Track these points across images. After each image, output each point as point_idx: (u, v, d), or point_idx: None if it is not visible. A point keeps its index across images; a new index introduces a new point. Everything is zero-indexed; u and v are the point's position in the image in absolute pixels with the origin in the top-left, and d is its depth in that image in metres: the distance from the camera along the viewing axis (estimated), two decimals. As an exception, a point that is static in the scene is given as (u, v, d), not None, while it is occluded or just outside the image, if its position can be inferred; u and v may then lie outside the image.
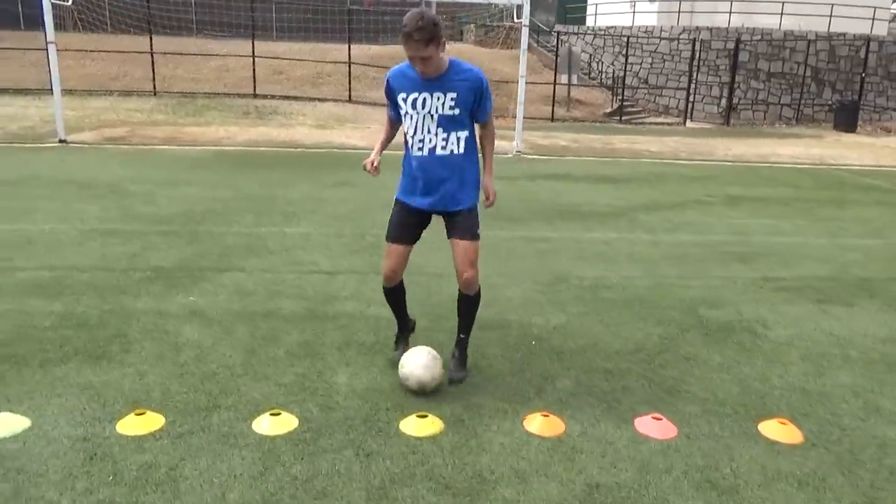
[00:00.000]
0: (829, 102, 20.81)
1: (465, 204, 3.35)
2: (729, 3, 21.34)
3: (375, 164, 3.38)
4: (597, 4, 24.97)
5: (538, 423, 3.15)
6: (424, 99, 3.18)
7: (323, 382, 3.46)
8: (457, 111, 3.19)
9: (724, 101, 20.61)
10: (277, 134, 13.28)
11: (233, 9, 22.26)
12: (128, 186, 8.09)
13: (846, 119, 19.12)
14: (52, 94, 14.76)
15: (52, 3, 10.87)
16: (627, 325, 4.45)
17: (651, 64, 21.75)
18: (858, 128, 19.35)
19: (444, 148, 3.24)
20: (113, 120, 13.95)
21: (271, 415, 3.07)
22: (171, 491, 2.56)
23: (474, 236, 3.37)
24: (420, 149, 3.26)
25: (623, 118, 19.79)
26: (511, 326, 4.35)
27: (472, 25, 23.40)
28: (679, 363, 3.93)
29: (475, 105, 3.24)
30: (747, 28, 20.71)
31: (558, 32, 23.19)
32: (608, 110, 20.25)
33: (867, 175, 11.92)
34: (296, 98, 17.22)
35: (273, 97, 17.13)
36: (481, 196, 3.48)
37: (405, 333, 3.77)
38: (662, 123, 19.67)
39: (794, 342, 4.30)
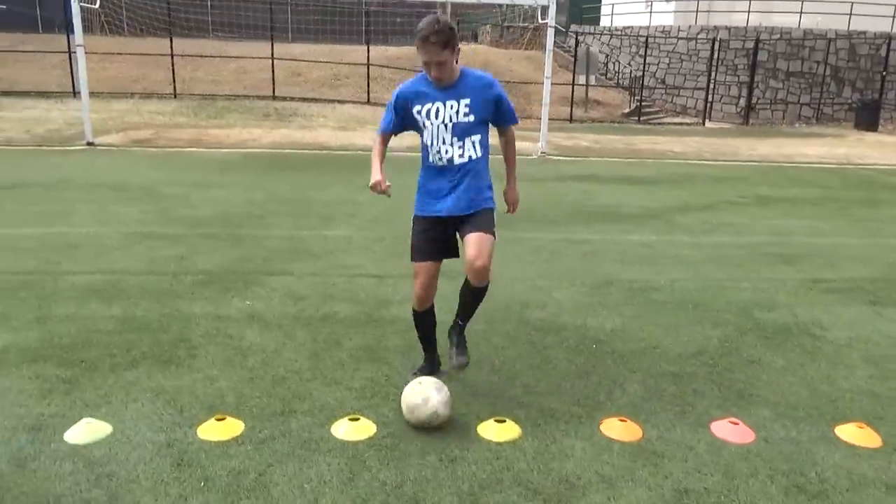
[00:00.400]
0: (850, 101, 20.69)
1: (483, 205, 3.29)
2: (747, 2, 21.25)
3: (385, 185, 3.15)
4: (613, 4, 24.92)
5: (617, 428, 3.13)
6: (438, 109, 3.16)
7: (392, 387, 3.45)
8: (471, 118, 3.16)
9: (742, 101, 20.52)
10: (301, 136, 13.31)
11: (248, 10, 22.32)
12: (161, 189, 8.11)
13: (867, 118, 19.00)
14: (74, 96, 14.93)
15: (80, 7, 10.92)
16: (685, 328, 4.42)
17: (668, 64, 21.67)
18: (880, 127, 19.22)
19: (461, 156, 3.20)
20: (137, 122, 14.00)
21: (350, 420, 3.06)
22: (264, 497, 2.55)
23: (490, 230, 3.22)
24: (439, 159, 3.22)
25: (641, 118, 19.73)
26: (567, 329, 4.33)
27: (488, 26, 23.41)
28: (744, 366, 3.90)
29: (492, 111, 3.21)
30: (766, 27, 20.61)
31: (576, 33, 23.15)
32: (626, 111, 20.20)
33: (878, 175, 11.82)
34: (315, 100, 17.25)
35: (292, 99, 17.17)
36: (499, 203, 3.38)
37: (429, 369, 3.51)
38: (681, 124, 19.60)
39: (853, 345, 4.26)
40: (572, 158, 12.20)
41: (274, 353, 3.78)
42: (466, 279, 3.26)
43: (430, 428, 3.03)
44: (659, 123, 19.54)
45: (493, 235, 3.24)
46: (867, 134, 18.33)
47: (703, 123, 19.58)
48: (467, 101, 3.14)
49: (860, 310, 4.89)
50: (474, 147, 3.21)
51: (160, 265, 5.26)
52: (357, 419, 3.07)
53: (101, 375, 3.45)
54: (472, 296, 3.33)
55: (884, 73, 20.29)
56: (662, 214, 7.87)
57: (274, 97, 17.08)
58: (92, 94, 15.92)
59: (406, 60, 20.19)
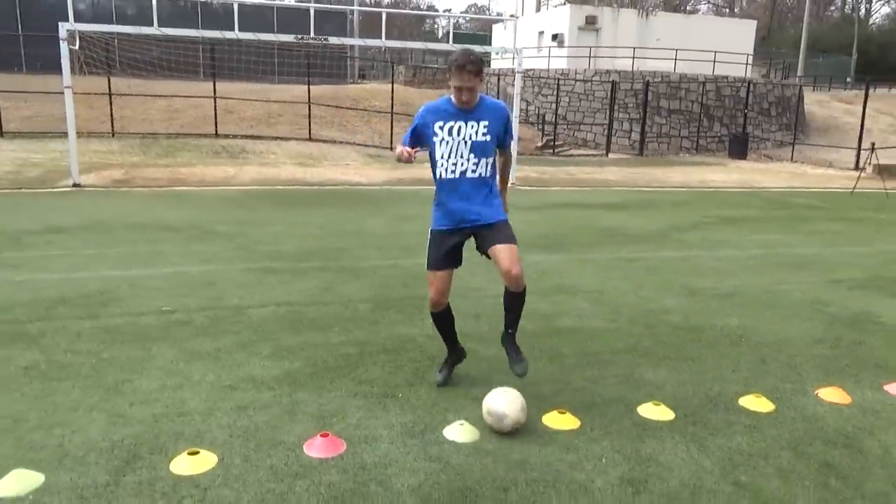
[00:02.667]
0: (720, 135, 23.82)
1: (498, 216, 3.66)
2: (630, 49, 23.93)
3: (409, 151, 3.55)
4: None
5: (834, 395, 4.04)
6: (460, 127, 3.56)
7: (645, 379, 4.17)
8: (488, 137, 3.58)
9: (634, 135, 22.97)
10: (275, 173, 13.40)
11: (153, 48, 21.58)
12: (211, 227, 8.16)
13: (738, 149, 22.04)
14: (1, 136, 13.98)
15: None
16: (792, 322, 5.38)
17: (569, 102, 23.77)
18: (749, 156, 22.33)
19: (473, 172, 3.60)
20: (97, 163, 13.36)
21: (654, 405, 3.76)
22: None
23: (513, 240, 3.61)
24: (452, 172, 3.59)
25: (555, 151, 21.46)
26: (708, 328, 5.20)
27: (402, 67, 24.40)
28: (856, 346, 4.94)
29: (501, 132, 3.65)
30: (649, 71, 23.29)
31: (498, 75, 24.71)
32: (539, 144, 21.88)
33: (796, 196, 14.06)
34: (258, 137, 17.18)
35: (234, 137, 16.99)
36: None
37: (454, 359, 3.96)
38: (589, 155, 21.58)
39: (916, 326, 5.51)
40: (536, 188, 13.32)
41: (556, 365, 4.35)
42: (506, 289, 3.64)
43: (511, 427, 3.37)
44: (569, 155, 21.37)
45: (516, 243, 3.62)
46: (741, 162, 21.26)
47: (607, 155, 21.70)
48: (486, 122, 3.58)
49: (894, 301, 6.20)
50: (486, 166, 3.63)
51: (318, 296, 5.55)
52: (658, 405, 3.77)
53: (410, 388, 3.87)
54: (515, 301, 3.68)
55: (746, 112, 23.62)
56: (667, 234, 9.08)
57: (217, 135, 16.82)
58: (18, 135, 14.96)
59: (330, 98, 20.58)
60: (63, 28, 10.21)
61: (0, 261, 6.44)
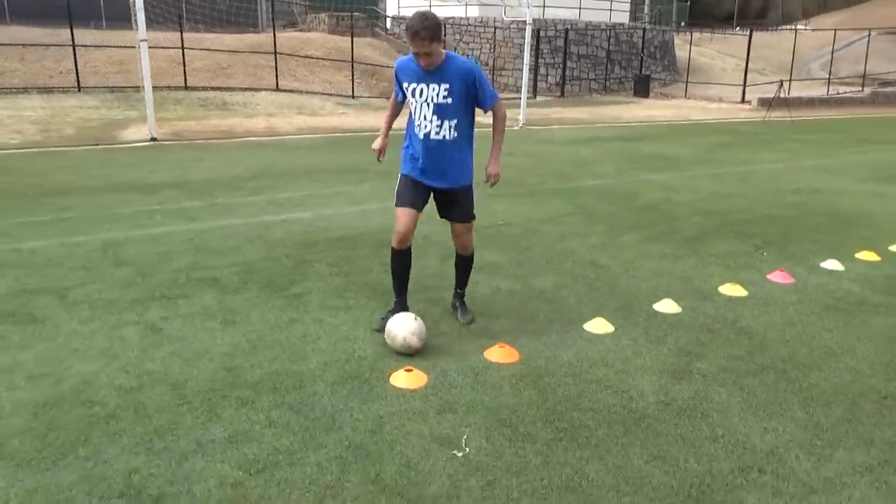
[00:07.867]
0: (620, 77, 26.67)
1: (459, 183, 3.71)
2: (540, -2, 25.85)
3: (382, 154, 3.83)
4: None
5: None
6: (422, 89, 3.53)
7: (866, 235, 6.06)
8: (450, 100, 3.52)
9: (550, 78, 25.11)
10: (309, 122, 13.87)
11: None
12: (374, 169, 8.80)
13: (642, 88, 24.98)
14: (26, 93, 13.12)
15: None
16: (883, 202, 7.60)
17: (490, 49, 25.28)
18: (651, 94, 25.39)
19: (437, 133, 3.58)
20: (103, 118, 12.75)
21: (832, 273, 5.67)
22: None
23: (469, 218, 3.81)
24: (418, 132, 3.62)
25: (488, 96, 22.94)
26: (847, 210, 7.21)
27: (325, 15, 24.25)
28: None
29: (473, 94, 3.57)
30: (559, 20, 25.36)
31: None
32: (473, 90, 23.22)
33: (735, 125, 16.77)
34: (229, 89, 16.87)
35: (206, 89, 16.57)
36: (479, 178, 3.78)
37: (400, 308, 3.86)
38: (518, 98, 23.34)
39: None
40: (539, 127, 14.84)
41: (818, 234, 6.06)
42: (457, 252, 3.99)
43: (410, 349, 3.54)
44: (505, 99, 22.96)
45: (473, 219, 3.85)
46: (649, 100, 24.17)
47: (535, 97, 23.61)
48: (447, 85, 3.50)
49: (920, 188, 8.67)
50: (450, 129, 3.58)
51: (591, 206, 6.82)
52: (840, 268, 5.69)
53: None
54: (463, 265, 4.03)
55: (642, 56, 26.62)
56: (702, 157, 11.04)
57: (186, 87, 16.30)
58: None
59: (270, 47, 20.33)
60: (133, -22, 9.93)
61: (274, 202, 6.93)
